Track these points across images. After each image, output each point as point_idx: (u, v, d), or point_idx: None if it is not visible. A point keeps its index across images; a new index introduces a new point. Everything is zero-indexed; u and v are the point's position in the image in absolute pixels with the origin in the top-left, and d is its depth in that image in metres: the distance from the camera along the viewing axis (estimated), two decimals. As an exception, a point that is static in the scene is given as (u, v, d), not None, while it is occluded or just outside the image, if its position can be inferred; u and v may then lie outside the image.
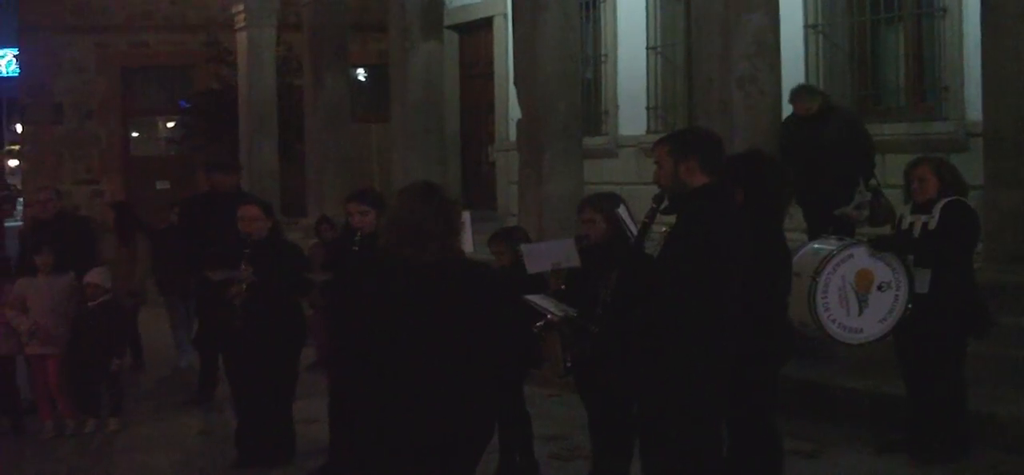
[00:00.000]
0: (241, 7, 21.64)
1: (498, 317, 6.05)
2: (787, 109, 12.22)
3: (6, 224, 24.09)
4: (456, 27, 21.98)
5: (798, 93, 12.43)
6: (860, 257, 8.68)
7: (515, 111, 14.91)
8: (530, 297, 7.69)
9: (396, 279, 5.83)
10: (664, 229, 7.10)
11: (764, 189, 7.34)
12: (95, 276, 11.46)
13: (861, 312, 8.64)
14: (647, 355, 6.78)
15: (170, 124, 25.98)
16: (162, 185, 24.55)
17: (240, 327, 9.31)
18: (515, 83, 14.63)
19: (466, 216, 7.72)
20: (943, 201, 8.96)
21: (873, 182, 11.61)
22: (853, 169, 11.68)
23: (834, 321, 8.58)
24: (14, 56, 33.93)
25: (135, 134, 25.99)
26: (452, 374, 5.78)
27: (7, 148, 53.30)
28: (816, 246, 8.92)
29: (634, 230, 7.29)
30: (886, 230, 10.40)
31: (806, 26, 15.09)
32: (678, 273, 6.55)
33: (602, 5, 18.66)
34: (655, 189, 6.91)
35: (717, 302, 6.55)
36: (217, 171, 12.80)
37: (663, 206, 6.85)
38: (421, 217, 5.83)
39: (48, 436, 11.31)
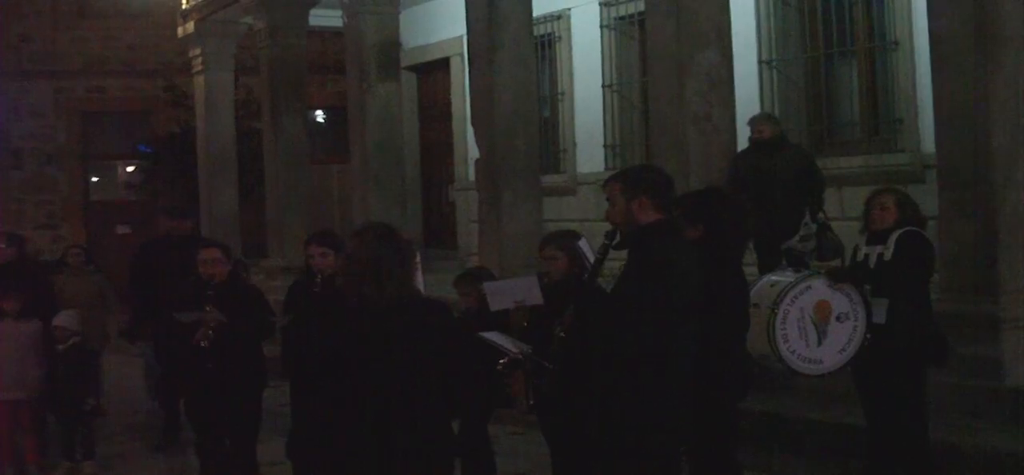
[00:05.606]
0: (198, 51, 21.63)
1: (456, 353, 6.10)
2: (742, 145, 12.28)
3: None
4: (413, 68, 22.03)
5: (755, 117, 12.50)
6: (818, 288, 8.71)
7: (474, 151, 14.97)
8: (486, 334, 7.70)
9: (355, 319, 5.88)
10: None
11: (723, 225, 7.42)
12: (63, 319, 11.43)
13: (820, 343, 8.65)
14: (603, 390, 6.83)
15: (130, 169, 25.95)
16: (123, 230, 24.51)
17: (211, 368, 9.32)
18: (472, 123, 14.68)
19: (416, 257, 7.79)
20: (898, 232, 9.03)
21: (820, 216, 11.67)
22: (804, 204, 11.74)
23: (794, 352, 8.58)
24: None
25: (95, 179, 25.94)
26: (411, 410, 5.83)
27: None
28: (773, 278, 8.93)
29: (593, 264, 7.33)
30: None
31: (760, 62, 15.20)
32: (632, 308, 6.60)
33: (557, 44, 18.73)
34: (615, 226, 6.98)
35: (671, 336, 6.60)
36: (172, 216, 12.87)
37: (615, 242, 6.92)
38: (379, 257, 5.89)
39: (8, 483, 11.25)
